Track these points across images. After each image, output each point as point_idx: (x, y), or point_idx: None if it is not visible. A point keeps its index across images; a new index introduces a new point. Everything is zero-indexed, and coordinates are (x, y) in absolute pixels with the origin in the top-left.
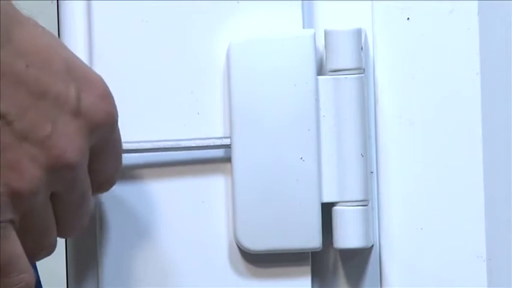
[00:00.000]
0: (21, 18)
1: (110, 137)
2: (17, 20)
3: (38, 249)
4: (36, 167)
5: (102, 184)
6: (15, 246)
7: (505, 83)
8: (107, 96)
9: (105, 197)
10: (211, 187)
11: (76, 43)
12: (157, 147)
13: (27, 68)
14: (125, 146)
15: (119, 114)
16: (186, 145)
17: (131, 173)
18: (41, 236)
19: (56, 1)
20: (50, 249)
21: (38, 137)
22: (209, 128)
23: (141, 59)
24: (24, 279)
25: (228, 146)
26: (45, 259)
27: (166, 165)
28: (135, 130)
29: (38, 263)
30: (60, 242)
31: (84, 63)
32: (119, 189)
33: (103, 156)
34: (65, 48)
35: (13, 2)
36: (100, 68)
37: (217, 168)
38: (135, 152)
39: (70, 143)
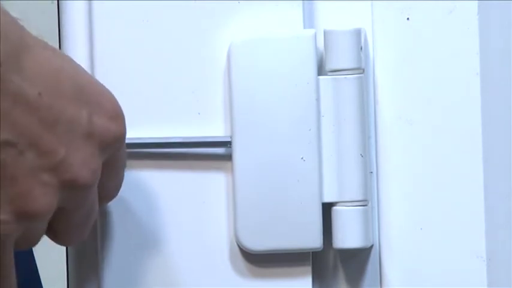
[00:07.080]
0: (29, 41)
1: (118, 153)
2: (26, 44)
3: None
4: (49, 193)
5: (107, 196)
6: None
7: (505, 83)
8: (118, 116)
9: None
10: (212, 187)
11: (77, 43)
12: (157, 142)
13: (39, 95)
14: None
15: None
16: (186, 141)
17: (131, 171)
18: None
19: (56, 1)
20: None
21: (51, 163)
22: (210, 128)
23: (142, 59)
24: None
25: (228, 144)
26: (46, 260)
27: (166, 164)
28: (135, 130)
29: (38, 264)
30: None
31: (96, 82)
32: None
33: (110, 171)
34: (75, 68)
35: (21, 24)
36: (101, 68)
37: (218, 168)
38: (134, 148)
39: (83, 166)
